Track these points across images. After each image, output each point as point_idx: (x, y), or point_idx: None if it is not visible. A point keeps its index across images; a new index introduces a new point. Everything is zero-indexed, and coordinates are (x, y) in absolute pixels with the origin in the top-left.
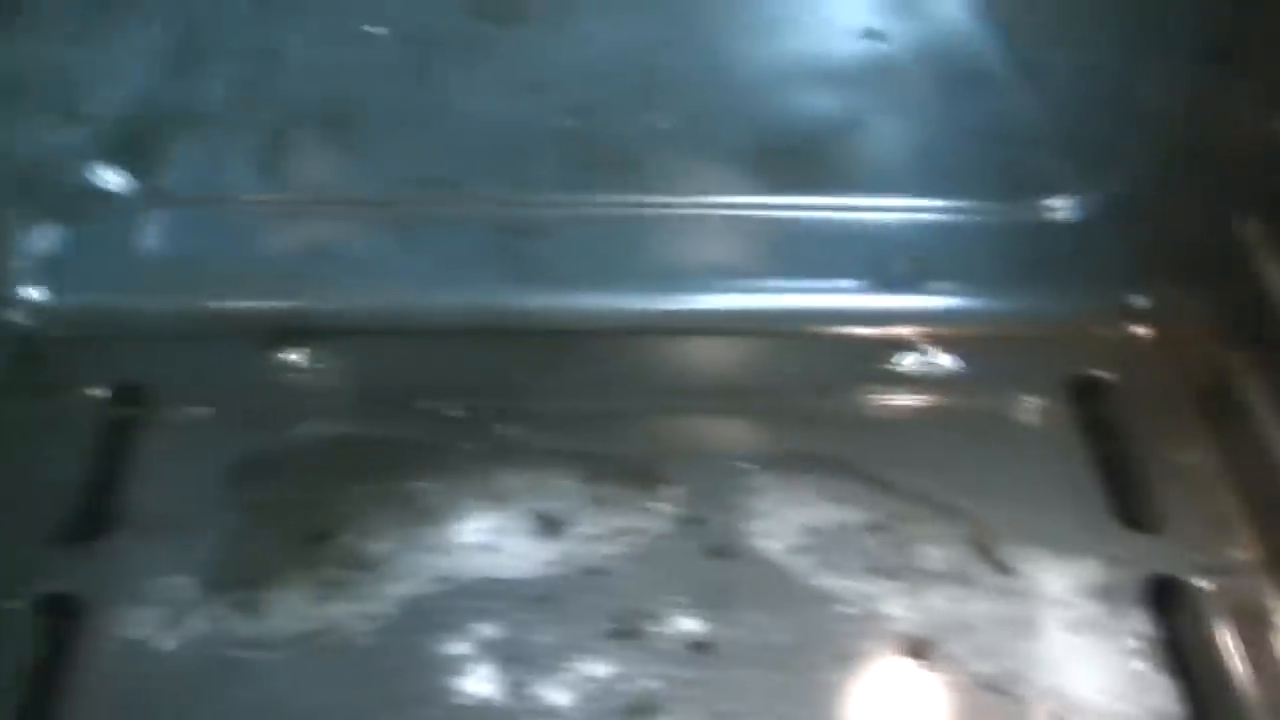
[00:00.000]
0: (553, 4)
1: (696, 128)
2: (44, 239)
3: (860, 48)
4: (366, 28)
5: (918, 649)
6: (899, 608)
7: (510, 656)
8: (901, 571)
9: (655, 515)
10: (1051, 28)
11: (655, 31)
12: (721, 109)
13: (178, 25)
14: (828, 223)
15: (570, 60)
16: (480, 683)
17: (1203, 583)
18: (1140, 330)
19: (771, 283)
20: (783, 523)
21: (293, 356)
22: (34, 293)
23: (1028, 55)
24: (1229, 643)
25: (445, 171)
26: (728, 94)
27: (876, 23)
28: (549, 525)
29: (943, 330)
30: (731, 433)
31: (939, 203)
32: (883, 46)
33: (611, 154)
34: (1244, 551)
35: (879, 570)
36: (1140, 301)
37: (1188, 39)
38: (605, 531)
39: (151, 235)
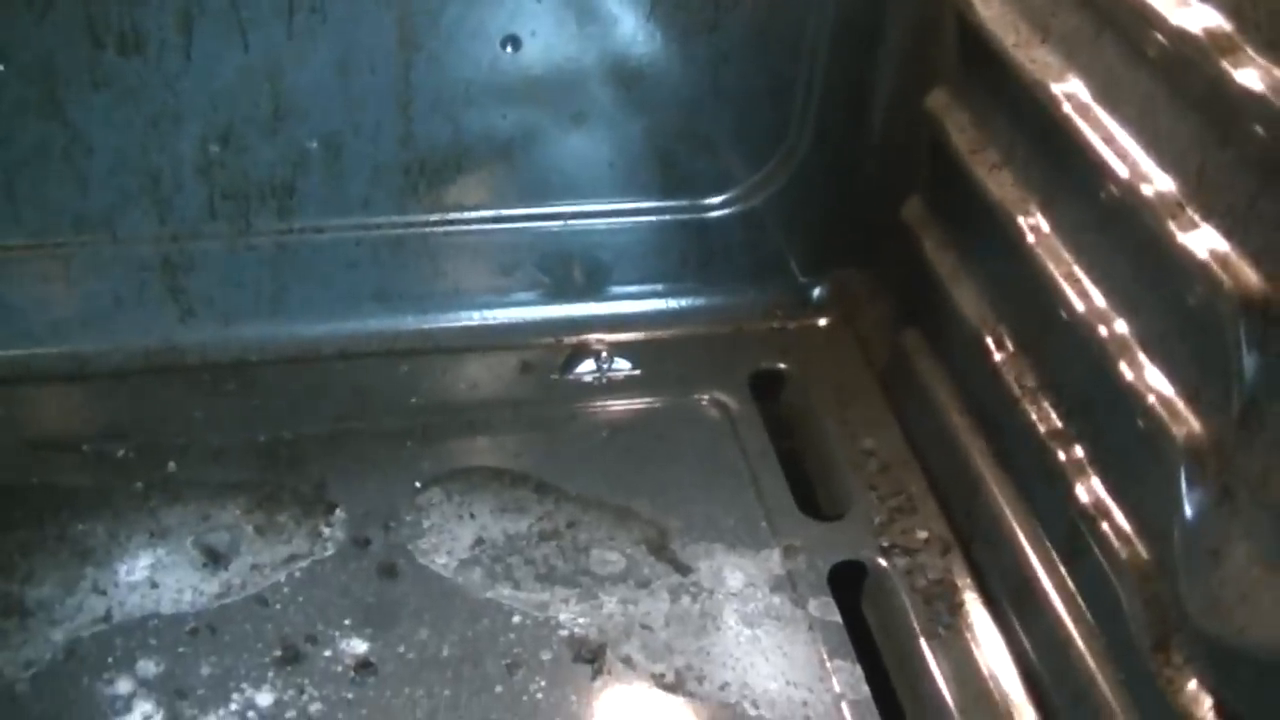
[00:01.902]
0: (170, 26)
1: (342, 148)
2: None
3: (509, 57)
4: None
5: (591, 654)
6: (571, 614)
7: (173, 691)
8: (575, 577)
9: (322, 540)
10: (694, 16)
11: (279, 49)
12: (366, 127)
13: None
14: (497, 235)
15: (198, 85)
16: None
17: (885, 564)
18: (819, 320)
19: (443, 300)
20: (451, 538)
21: None
22: None
23: (680, 50)
24: (914, 623)
25: (94, 210)
26: (367, 110)
27: (525, 30)
28: (213, 558)
29: (621, 335)
30: (401, 452)
31: (610, 206)
32: (532, 53)
33: (260, 180)
34: (927, 530)
35: (551, 578)
36: (817, 291)
37: (833, 20)
38: (270, 560)
39: None
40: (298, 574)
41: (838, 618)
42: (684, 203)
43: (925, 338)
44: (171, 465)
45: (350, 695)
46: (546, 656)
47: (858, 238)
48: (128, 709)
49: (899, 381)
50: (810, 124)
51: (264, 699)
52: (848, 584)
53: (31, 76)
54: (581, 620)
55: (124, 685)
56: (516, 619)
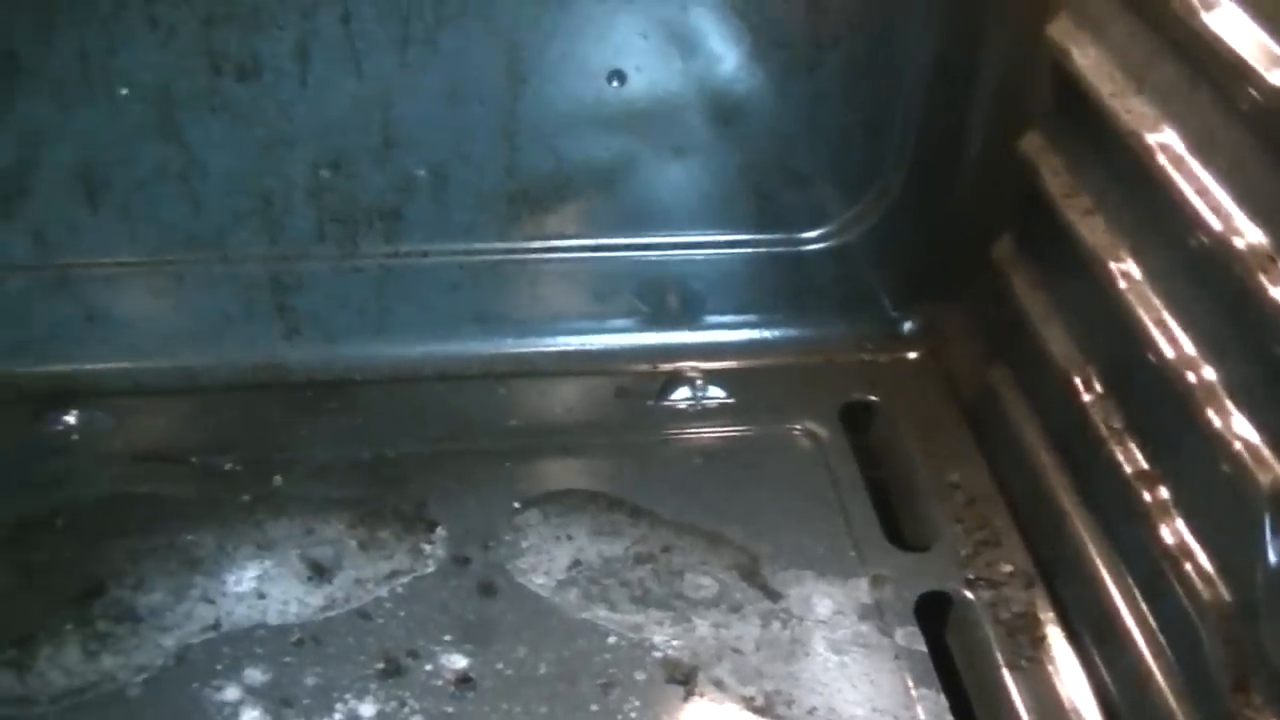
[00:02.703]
0: (286, 55)
1: (449, 176)
2: None
3: (613, 91)
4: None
5: (684, 675)
6: (665, 636)
7: (279, 700)
8: (668, 600)
9: (423, 557)
10: (794, 55)
11: (391, 79)
12: (473, 155)
13: None
14: (595, 264)
15: (312, 112)
16: None
17: (970, 596)
18: (909, 354)
19: (541, 325)
20: (549, 558)
21: (66, 419)
22: None
23: (779, 87)
24: (997, 654)
25: (206, 230)
26: (474, 140)
27: (630, 65)
28: (318, 571)
29: (715, 363)
30: (499, 473)
31: (706, 237)
32: (636, 88)
33: (369, 205)
34: (1012, 564)
35: (645, 600)
36: (907, 325)
37: (930, 60)
38: (373, 574)
39: None
40: (399, 589)
41: (923, 647)
42: (778, 236)
43: (1013, 375)
44: (277, 479)
45: (450, 709)
46: (640, 677)
47: (949, 274)
48: (235, 715)
49: (986, 417)
50: (905, 162)
51: (367, 710)
52: (933, 614)
53: (151, 100)
54: (675, 643)
55: (232, 692)
56: (612, 640)
